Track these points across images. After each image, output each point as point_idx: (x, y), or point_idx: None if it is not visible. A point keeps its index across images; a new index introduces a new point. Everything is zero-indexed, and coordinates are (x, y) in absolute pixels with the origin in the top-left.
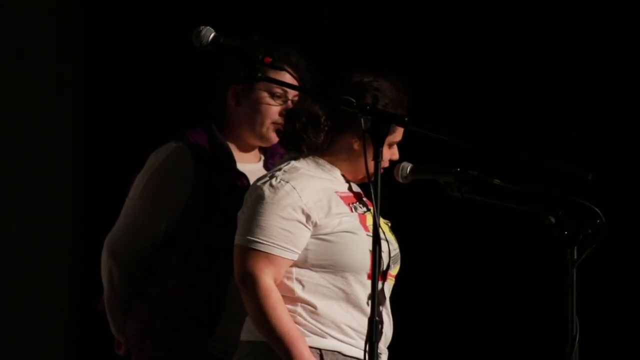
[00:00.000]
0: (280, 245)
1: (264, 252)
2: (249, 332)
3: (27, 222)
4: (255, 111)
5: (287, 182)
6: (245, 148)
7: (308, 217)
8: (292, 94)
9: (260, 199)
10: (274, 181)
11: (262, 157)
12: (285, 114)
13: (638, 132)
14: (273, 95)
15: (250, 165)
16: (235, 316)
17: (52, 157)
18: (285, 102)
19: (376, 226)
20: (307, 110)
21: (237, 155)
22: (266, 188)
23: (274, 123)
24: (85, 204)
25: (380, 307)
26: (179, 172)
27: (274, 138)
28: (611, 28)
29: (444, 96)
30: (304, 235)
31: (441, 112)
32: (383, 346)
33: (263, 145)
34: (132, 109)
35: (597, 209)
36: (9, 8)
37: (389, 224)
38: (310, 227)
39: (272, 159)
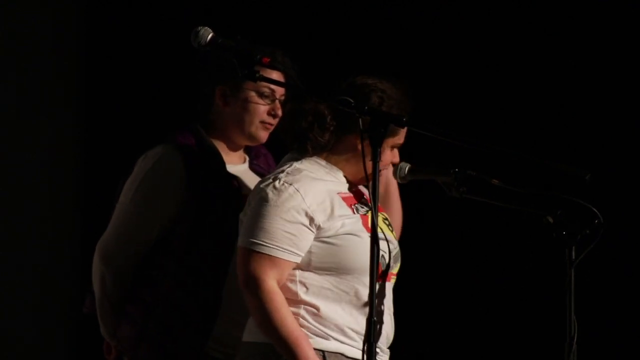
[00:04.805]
0: (283, 248)
1: (267, 254)
2: (252, 333)
3: (28, 223)
4: (245, 110)
5: (291, 184)
6: (232, 148)
7: (312, 220)
8: (279, 93)
9: (263, 201)
10: (277, 183)
11: (247, 158)
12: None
13: (638, 132)
14: (261, 95)
15: (237, 167)
16: (233, 317)
17: (53, 158)
18: (273, 101)
19: (375, 227)
20: (314, 110)
21: (224, 156)
22: (269, 190)
23: (262, 122)
24: (85, 205)
25: (383, 307)
26: (170, 176)
27: (263, 137)
28: (611, 28)
29: (443, 96)
30: (308, 238)
31: (440, 112)
32: (384, 346)
33: (251, 144)
34: (134, 111)
35: (595, 209)
36: (9, 8)
37: (388, 221)
38: (314, 230)
39: (257, 160)
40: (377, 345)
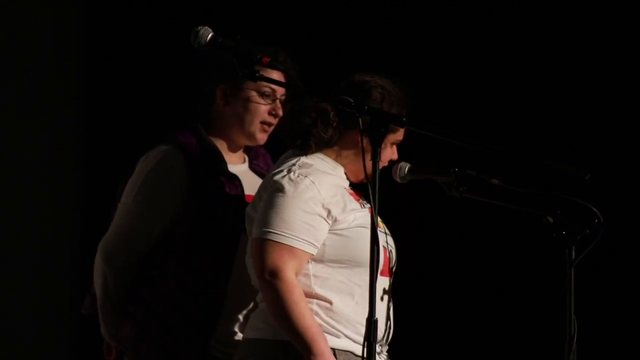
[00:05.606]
0: (302, 239)
1: (287, 245)
2: (254, 329)
3: (28, 223)
4: (245, 110)
5: (306, 176)
6: (232, 148)
7: (329, 212)
8: (279, 93)
9: (279, 192)
10: (292, 175)
11: (247, 158)
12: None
13: (638, 132)
14: (262, 95)
15: (238, 167)
16: (235, 316)
17: (53, 158)
18: (274, 101)
19: (374, 226)
20: (316, 106)
21: (225, 156)
22: (285, 182)
23: (262, 122)
24: (85, 205)
25: (391, 304)
26: (171, 175)
27: (262, 139)
28: (611, 28)
29: (443, 96)
30: (324, 230)
31: (440, 112)
32: (386, 343)
33: (251, 144)
34: (134, 111)
35: (595, 209)
36: (9, 8)
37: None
38: (330, 222)
39: (256, 160)
40: (382, 343)
